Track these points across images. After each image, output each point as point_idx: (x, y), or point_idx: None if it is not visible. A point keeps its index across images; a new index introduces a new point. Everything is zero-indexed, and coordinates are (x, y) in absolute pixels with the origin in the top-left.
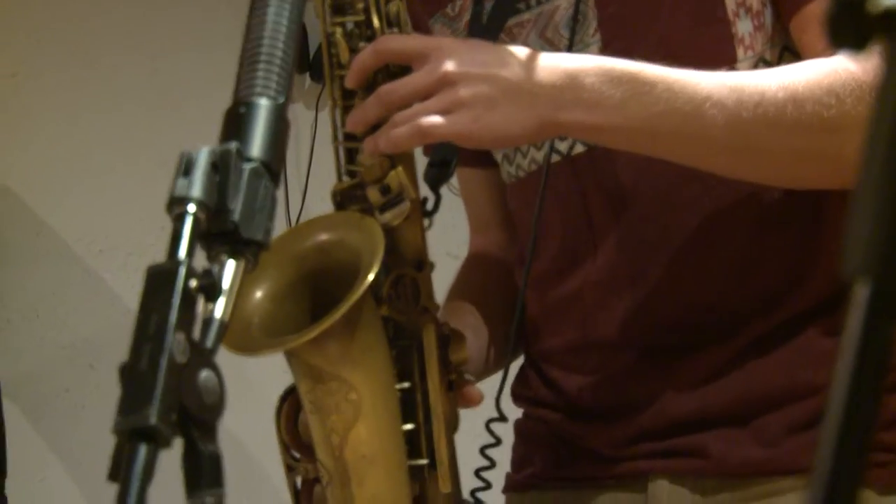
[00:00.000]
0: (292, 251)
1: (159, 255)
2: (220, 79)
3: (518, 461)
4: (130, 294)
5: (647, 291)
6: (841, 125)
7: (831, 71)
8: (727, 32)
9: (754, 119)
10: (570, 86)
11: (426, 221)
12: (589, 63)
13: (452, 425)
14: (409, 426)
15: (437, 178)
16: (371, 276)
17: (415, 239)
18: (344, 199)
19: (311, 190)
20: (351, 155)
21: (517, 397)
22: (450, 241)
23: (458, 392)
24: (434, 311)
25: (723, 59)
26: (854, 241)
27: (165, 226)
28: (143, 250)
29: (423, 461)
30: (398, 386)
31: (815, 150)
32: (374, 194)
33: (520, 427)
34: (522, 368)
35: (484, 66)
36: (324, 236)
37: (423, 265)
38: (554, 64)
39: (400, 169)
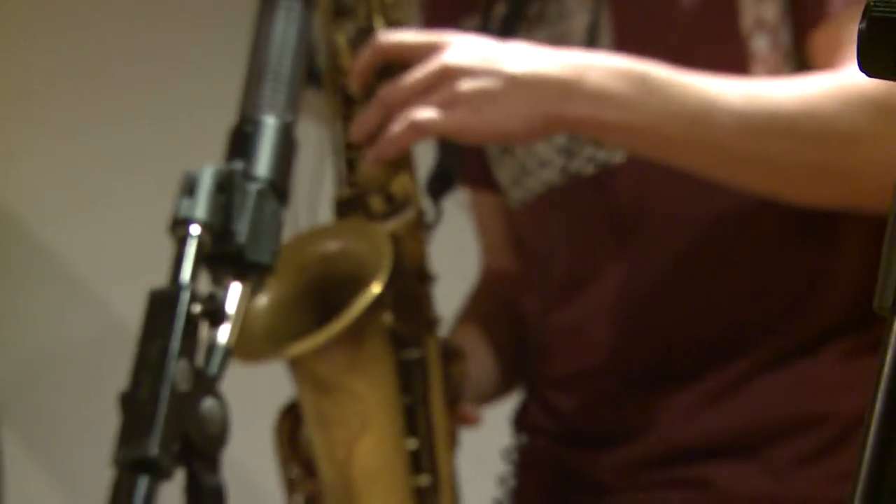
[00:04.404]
0: (297, 259)
1: (162, 276)
2: (227, 94)
3: (517, 492)
4: (132, 315)
5: (651, 315)
6: (856, 140)
7: (846, 84)
8: (743, 50)
9: (766, 127)
10: (578, 80)
11: (426, 235)
12: (597, 59)
13: (454, 443)
14: (412, 441)
15: (438, 190)
16: (379, 285)
17: (417, 250)
18: (347, 208)
19: (321, 207)
20: (353, 165)
21: (517, 425)
22: (454, 260)
23: (456, 410)
24: (436, 325)
25: (738, 75)
26: (891, 278)
27: (168, 245)
28: (145, 270)
29: (425, 478)
30: (401, 400)
31: (829, 163)
32: (377, 203)
33: (519, 457)
34: (524, 396)
35: (486, 59)
36: (329, 245)
37: (425, 277)
38: (561, 59)
39: (403, 177)
